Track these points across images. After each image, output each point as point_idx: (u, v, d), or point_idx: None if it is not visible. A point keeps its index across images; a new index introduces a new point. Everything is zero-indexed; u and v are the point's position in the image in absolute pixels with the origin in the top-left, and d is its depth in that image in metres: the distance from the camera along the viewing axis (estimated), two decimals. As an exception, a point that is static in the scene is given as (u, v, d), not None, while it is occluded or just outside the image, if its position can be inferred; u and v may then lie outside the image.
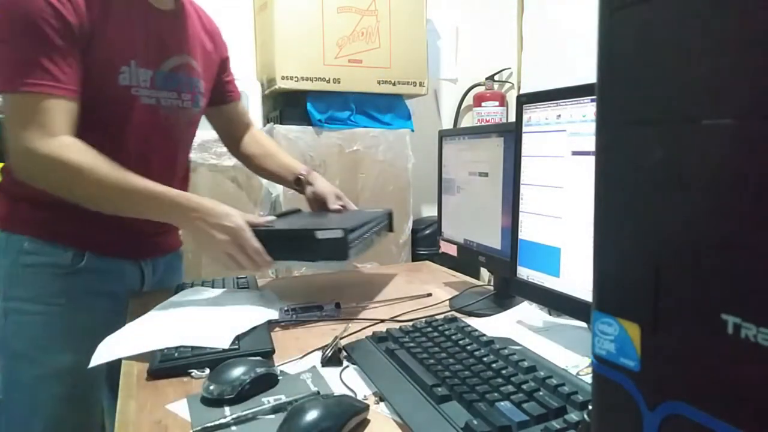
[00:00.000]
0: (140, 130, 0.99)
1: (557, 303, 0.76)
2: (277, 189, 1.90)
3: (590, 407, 0.32)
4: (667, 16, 0.25)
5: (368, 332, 0.80)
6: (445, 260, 1.35)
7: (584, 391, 0.55)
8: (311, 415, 0.53)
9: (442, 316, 0.83)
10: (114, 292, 1.04)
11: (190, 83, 1.08)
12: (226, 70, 1.23)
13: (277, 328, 0.87)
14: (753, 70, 0.21)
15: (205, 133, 1.29)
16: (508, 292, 0.97)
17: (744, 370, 0.22)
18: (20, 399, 0.97)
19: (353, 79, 2.00)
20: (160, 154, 1.04)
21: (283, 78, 1.91)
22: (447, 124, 2.68)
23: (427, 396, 0.58)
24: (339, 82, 1.98)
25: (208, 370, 0.69)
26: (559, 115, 0.74)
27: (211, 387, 0.62)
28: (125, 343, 0.77)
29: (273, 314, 0.88)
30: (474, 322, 0.82)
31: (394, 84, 2.08)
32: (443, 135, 1.16)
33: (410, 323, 0.80)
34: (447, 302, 1.00)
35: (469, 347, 0.69)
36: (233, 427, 0.56)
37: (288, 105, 2.02)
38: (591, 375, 0.31)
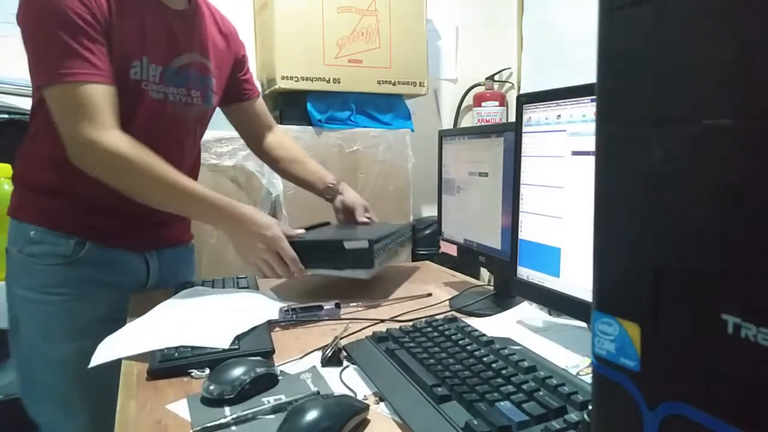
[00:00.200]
0: (147, 123, 1.02)
1: (557, 303, 0.76)
2: (277, 189, 1.90)
3: (590, 407, 0.32)
4: (667, 16, 0.25)
5: (368, 332, 0.80)
6: (445, 260, 1.35)
7: (584, 391, 0.55)
8: (311, 415, 0.53)
9: (442, 316, 0.83)
10: (118, 284, 1.06)
11: (201, 81, 1.11)
12: (243, 68, 1.26)
13: (277, 328, 0.87)
14: (753, 70, 0.21)
15: (206, 133, 1.29)
16: (508, 292, 0.97)
17: (744, 370, 0.22)
18: (34, 382, 1.01)
19: (353, 79, 2.00)
20: (166, 147, 1.06)
21: (283, 78, 1.91)
22: (447, 124, 2.68)
23: (427, 396, 0.58)
24: (339, 82, 1.98)
25: (208, 370, 0.69)
26: (559, 115, 0.74)
27: (211, 387, 0.62)
28: (125, 343, 0.77)
29: (273, 314, 0.88)
30: (474, 322, 0.82)
31: (394, 84, 2.08)
32: (443, 135, 1.16)
33: (410, 323, 0.80)
34: (447, 302, 1.01)
35: (469, 347, 0.69)
36: (233, 427, 0.56)
37: (288, 105, 2.02)
38: (591, 375, 0.31)
